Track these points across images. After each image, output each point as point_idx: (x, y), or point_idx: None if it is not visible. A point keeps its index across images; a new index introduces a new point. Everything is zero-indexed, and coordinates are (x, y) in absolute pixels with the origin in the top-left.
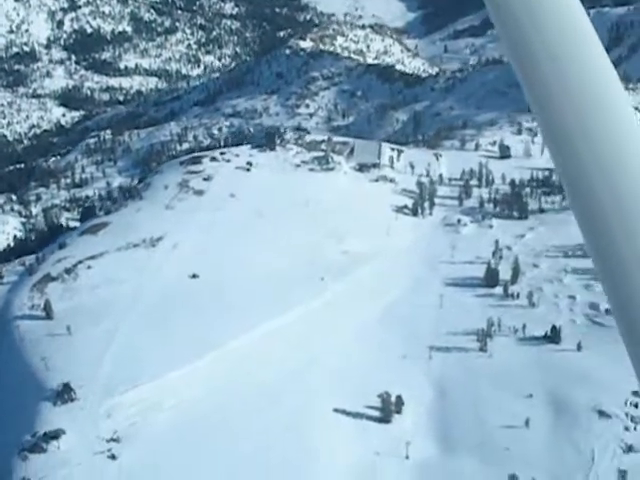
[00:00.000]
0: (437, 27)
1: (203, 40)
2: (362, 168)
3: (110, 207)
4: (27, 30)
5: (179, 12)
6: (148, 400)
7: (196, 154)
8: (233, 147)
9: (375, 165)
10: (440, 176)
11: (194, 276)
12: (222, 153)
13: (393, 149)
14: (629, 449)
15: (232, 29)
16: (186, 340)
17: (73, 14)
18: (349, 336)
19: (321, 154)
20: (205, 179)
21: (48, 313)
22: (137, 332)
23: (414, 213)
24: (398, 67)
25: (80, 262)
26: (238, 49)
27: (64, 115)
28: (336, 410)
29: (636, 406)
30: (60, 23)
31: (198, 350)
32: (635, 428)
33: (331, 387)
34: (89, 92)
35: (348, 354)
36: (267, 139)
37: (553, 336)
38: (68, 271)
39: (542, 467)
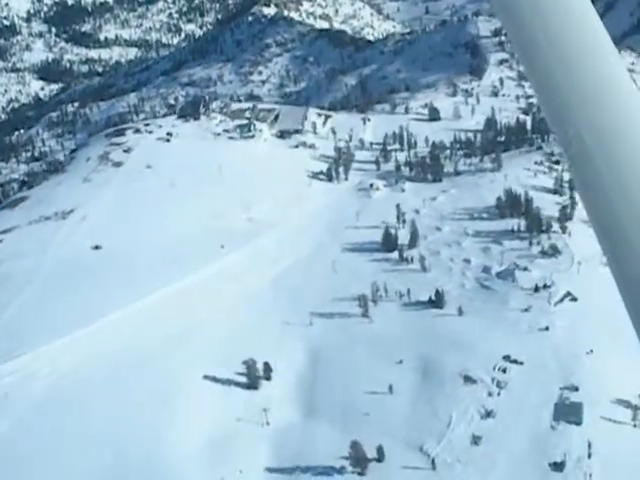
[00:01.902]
0: None
1: (185, 9)
2: (283, 135)
3: (33, 181)
4: (7, 4)
5: None
6: (24, 370)
7: (121, 126)
8: (159, 118)
9: (298, 131)
10: (361, 141)
11: (96, 247)
12: (146, 124)
13: (320, 114)
14: (488, 414)
15: None
16: (74, 310)
17: None
18: (236, 303)
19: (245, 122)
20: (125, 151)
21: None
22: (29, 304)
23: (329, 178)
24: (366, 30)
25: None
26: (220, 16)
27: (42, 88)
28: (206, 377)
29: (504, 371)
30: None
31: (84, 319)
32: (499, 394)
33: (206, 354)
34: (68, 64)
35: (231, 321)
36: (191, 109)
37: (437, 301)
38: None
39: (396, 433)
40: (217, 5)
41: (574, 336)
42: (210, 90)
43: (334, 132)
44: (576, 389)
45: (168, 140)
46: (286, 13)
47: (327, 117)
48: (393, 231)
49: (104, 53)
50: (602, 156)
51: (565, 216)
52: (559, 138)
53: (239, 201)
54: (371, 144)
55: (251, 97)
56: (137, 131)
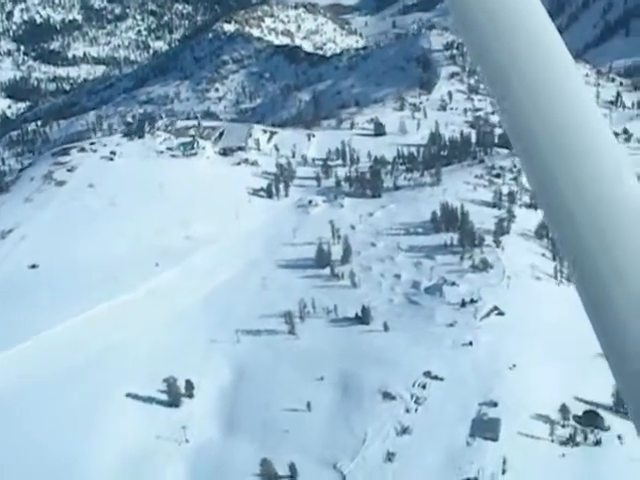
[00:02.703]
0: (388, 3)
1: (154, 26)
2: (226, 152)
3: None
4: None
5: None
6: None
7: (66, 145)
8: (104, 137)
9: (241, 148)
10: (303, 157)
11: (33, 266)
12: (92, 143)
13: (265, 131)
14: (404, 431)
15: (183, 13)
16: (8, 328)
17: (23, 5)
18: (166, 321)
19: (188, 140)
20: (69, 170)
21: None
22: None
23: (269, 195)
24: (329, 45)
25: None
26: (188, 34)
27: (10, 107)
28: (128, 395)
29: (424, 387)
30: (9, 14)
31: (17, 337)
32: (416, 410)
33: (131, 371)
34: (36, 82)
35: (158, 339)
36: (136, 127)
37: (363, 317)
38: None
39: (311, 450)
40: (186, 22)
41: (498, 351)
42: (167, 107)
43: (277, 149)
44: (495, 405)
45: (112, 159)
46: (247, 30)
47: (272, 134)
48: (326, 247)
49: (72, 71)
50: (564, 177)
51: (501, 230)
52: (520, 158)
53: (178, 219)
54: (313, 160)
55: (207, 114)
56: (82, 150)
